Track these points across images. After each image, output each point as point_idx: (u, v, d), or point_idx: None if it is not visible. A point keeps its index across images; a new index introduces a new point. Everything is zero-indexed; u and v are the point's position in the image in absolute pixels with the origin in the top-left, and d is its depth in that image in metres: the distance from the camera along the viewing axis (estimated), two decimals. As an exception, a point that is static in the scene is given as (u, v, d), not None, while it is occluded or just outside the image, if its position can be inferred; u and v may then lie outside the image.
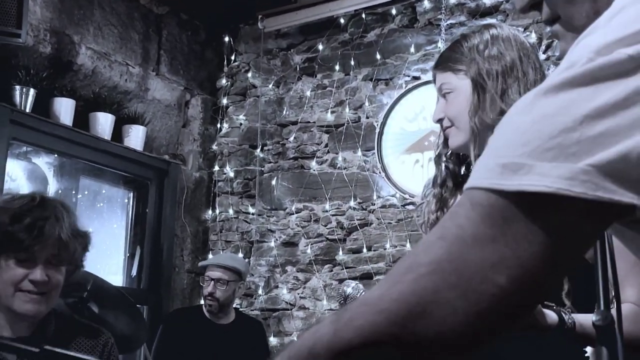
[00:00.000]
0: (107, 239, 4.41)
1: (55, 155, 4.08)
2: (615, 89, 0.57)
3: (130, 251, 4.43)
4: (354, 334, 0.62)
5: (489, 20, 4.01)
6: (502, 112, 1.49)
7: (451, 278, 0.60)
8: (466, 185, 0.62)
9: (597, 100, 0.57)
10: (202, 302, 3.97)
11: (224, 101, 4.84)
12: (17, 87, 3.52)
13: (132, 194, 4.52)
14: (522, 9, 0.81)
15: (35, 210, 1.66)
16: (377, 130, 4.20)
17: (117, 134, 4.12)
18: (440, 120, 1.63)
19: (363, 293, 1.56)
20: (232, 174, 4.72)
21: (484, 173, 0.61)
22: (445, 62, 1.63)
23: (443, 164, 1.68)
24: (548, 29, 0.79)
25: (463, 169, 1.66)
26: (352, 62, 4.42)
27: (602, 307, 0.84)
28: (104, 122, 4.00)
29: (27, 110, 3.56)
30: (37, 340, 1.67)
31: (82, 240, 1.76)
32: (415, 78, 4.20)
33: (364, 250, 4.16)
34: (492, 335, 0.63)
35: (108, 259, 4.30)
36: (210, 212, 4.71)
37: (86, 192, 4.38)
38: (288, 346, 0.69)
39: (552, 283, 0.64)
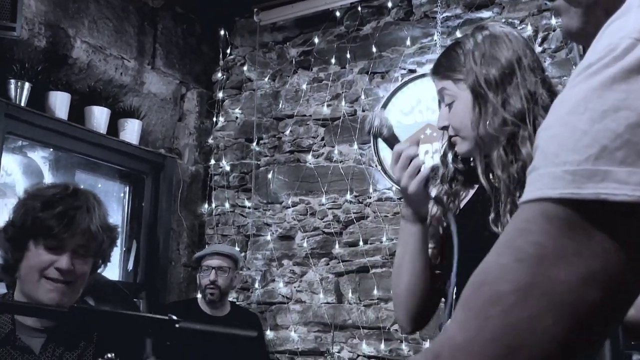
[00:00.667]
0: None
1: (51, 150, 4.07)
2: None
3: (126, 245, 4.42)
4: None
5: (484, 13, 4.01)
6: (505, 122, 1.50)
7: (542, 303, 0.55)
8: (527, 197, 0.58)
9: None
10: (198, 295, 3.98)
11: (220, 95, 4.83)
12: (12, 81, 3.50)
13: (128, 188, 4.51)
14: None
15: (67, 199, 1.67)
16: (373, 124, 4.19)
17: (113, 128, 4.10)
18: (445, 128, 1.63)
19: (389, 123, 1.57)
20: (228, 168, 4.71)
21: (552, 182, 0.56)
22: (443, 71, 1.62)
23: (450, 163, 1.68)
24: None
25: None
26: (348, 55, 4.41)
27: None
28: (99, 116, 3.98)
29: (22, 104, 3.54)
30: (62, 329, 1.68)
31: (111, 234, 1.76)
32: (412, 71, 4.19)
33: (361, 243, 4.16)
34: (590, 352, 0.60)
35: (104, 254, 4.29)
36: (206, 206, 4.71)
37: (82, 187, 4.36)
38: None
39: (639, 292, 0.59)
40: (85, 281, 1.72)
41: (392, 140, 1.60)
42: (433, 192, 1.55)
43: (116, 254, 4.38)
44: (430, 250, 1.65)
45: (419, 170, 1.53)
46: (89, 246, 1.69)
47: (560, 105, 0.58)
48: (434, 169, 1.66)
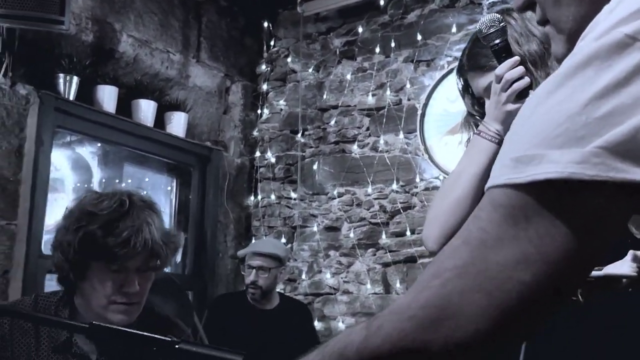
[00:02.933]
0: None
1: (99, 145, 4.13)
2: (616, 68, 0.57)
3: (174, 238, 4.45)
4: (382, 341, 0.64)
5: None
6: None
7: (476, 280, 0.61)
8: (486, 186, 0.63)
9: (599, 82, 0.57)
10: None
11: (264, 87, 4.83)
12: (61, 75, 3.55)
13: (175, 180, 4.55)
14: (518, 7, 0.83)
15: (127, 219, 1.61)
16: (419, 112, 4.15)
17: (160, 121, 4.14)
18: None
19: (498, 26, 1.48)
20: (273, 160, 4.72)
21: (500, 170, 0.62)
22: (486, 62, 1.58)
23: (472, 122, 1.65)
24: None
25: None
26: (393, 44, 4.37)
27: None
28: (146, 109, 4.02)
29: (71, 98, 3.59)
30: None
31: (173, 244, 1.72)
32: (457, 58, 4.13)
33: (408, 233, 4.12)
34: (520, 333, 0.64)
35: (153, 246, 4.33)
36: (252, 198, 4.72)
37: (130, 180, 4.42)
38: (323, 345, 0.72)
39: (580, 276, 0.64)
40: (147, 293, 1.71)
41: (501, 54, 1.50)
42: None
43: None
44: None
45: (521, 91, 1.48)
46: (153, 262, 1.67)
47: (524, 106, 0.64)
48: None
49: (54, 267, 1.71)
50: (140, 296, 1.67)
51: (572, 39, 0.73)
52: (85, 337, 1.04)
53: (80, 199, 1.73)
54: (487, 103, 1.57)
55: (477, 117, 1.63)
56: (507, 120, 1.50)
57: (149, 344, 1.01)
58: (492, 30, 1.48)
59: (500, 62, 1.49)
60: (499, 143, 1.54)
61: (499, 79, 1.49)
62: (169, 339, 1.02)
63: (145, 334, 1.01)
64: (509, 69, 1.47)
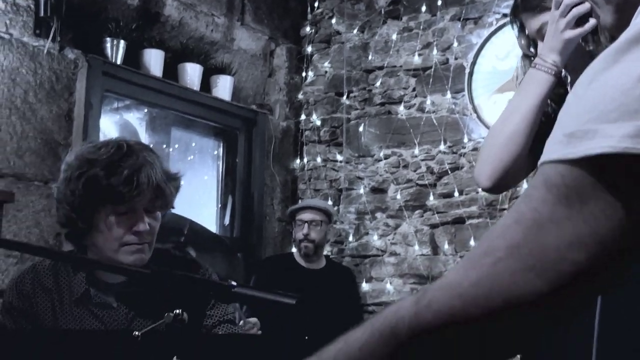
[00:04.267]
0: (200, 190, 4.49)
1: (146, 110, 4.16)
2: None
3: (221, 201, 4.50)
4: (432, 318, 0.64)
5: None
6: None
7: (528, 261, 0.60)
8: (539, 162, 0.62)
9: None
10: (293, 249, 4.01)
11: (309, 49, 4.80)
12: (108, 40, 3.57)
13: (221, 144, 4.57)
14: None
15: (126, 159, 1.61)
16: (467, 71, 4.08)
17: (205, 84, 4.15)
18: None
19: None
20: (318, 123, 4.70)
21: (553, 146, 0.61)
22: (539, 3, 1.52)
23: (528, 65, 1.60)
24: None
25: None
26: (439, 2, 4.28)
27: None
28: (192, 73, 4.03)
29: (119, 62, 3.62)
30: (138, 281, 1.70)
31: (175, 183, 1.73)
32: (506, 15, 4.03)
33: (456, 194, 4.08)
34: (571, 313, 0.65)
35: (201, 210, 4.38)
36: (298, 161, 4.72)
37: (177, 145, 4.46)
38: (369, 321, 0.71)
39: (634, 255, 0.62)
40: (156, 234, 1.72)
41: None
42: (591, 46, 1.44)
43: (212, 210, 4.48)
44: None
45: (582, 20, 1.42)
46: (158, 201, 1.67)
47: (578, 82, 0.63)
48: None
49: (61, 224, 1.71)
50: (151, 236, 1.68)
51: (620, 9, 0.73)
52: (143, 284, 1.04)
53: (75, 151, 1.72)
54: (541, 43, 1.52)
55: (533, 58, 1.58)
56: (566, 49, 1.45)
57: (206, 288, 1.01)
58: None
59: None
60: (556, 75, 1.48)
61: (557, 4, 1.43)
62: (226, 283, 1.02)
63: (203, 278, 1.02)
64: None
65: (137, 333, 0.97)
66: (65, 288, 1.67)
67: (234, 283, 1.02)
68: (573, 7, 1.41)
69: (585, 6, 1.40)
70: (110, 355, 1.17)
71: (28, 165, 3.22)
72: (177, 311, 0.96)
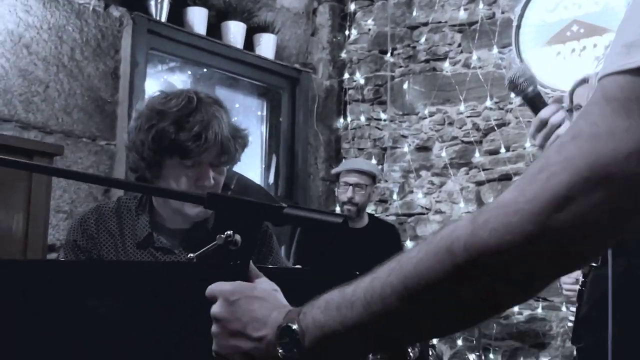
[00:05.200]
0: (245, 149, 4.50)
1: (189, 72, 4.16)
2: None
3: (266, 161, 4.51)
4: (489, 235, 0.63)
5: None
6: None
7: (584, 172, 0.59)
8: (598, 76, 0.61)
9: None
10: (337, 208, 4.01)
11: (352, 7, 4.75)
12: (152, -2, 3.58)
13: (265, 103, 4.57)
14: None
15: (196, 114, 1.63)
16: (515, 24, 3.99)
17: (249, 43, 4.14)
18: None
19: (533, 80, 1.54)
20: (362, 81, 4.66)
21: (612, 58, 0.59)
22: None
23: None
24: None
25: None
26: (485, -45, 4.19)
27: None
28: (235, 32, 4.02)
29: (163, 20, 3.62)
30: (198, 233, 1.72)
31: (242, 139, 1.74)
32: (555, -34, 3.93)
33: (502, 150, 4.02)
34: (629, 226, 0.63)
35: (246, 169, 4.40)
36: (341, 120, 4.70)
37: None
38: (424, 242, 0.71)
39: None
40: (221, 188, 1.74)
41: (537, 102, 1.54)
42: None
43: (257, 169, 4.50)
44: None
45: None
46: (224, 156, 1.68)
47: None
48: None
49: (130, 169, 1.75)
50: (216, 190, 1.69)
51: None
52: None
53: (147, 99, 1.75)
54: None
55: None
56: None
57: (259, 210, 1.02)
58: (521, 80, 1.53)
59: (535, 109, 1.52)
60: None
61: (540, 125, 1.51)
62: (277, 205, 1.02)
63: (256, 201, 1.02)
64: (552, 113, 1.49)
65: (192, 255, 0.98)
66: (128, 231, 1.71)
67: (283, 205, 1.02)
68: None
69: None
70: (168, 282, 1.19)
71: (76, 122, 3.27)
72: (229, 232, 0.96)
